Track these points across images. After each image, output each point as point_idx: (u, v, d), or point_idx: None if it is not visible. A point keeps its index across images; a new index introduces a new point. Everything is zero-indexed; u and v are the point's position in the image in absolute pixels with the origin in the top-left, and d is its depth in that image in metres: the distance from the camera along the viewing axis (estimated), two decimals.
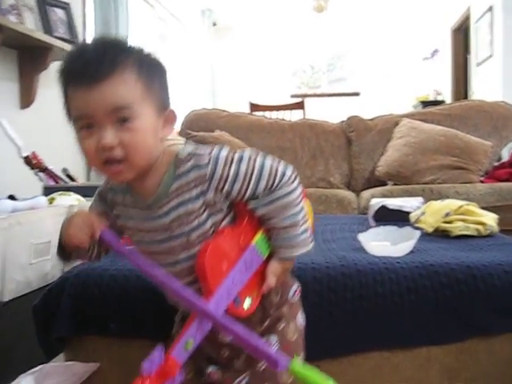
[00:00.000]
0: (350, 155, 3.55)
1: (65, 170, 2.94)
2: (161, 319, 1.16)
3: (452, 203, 1.88)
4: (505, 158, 3.30)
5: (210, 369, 0.99)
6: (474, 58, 6.14)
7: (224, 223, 0.93)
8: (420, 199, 2.23)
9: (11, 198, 2.04)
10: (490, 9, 5.39)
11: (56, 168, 2.76)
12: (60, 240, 0.94)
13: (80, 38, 3.30)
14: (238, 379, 0.96)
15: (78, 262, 1.51)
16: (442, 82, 7.15)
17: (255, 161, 0.91)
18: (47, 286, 1.90)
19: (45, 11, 2.98)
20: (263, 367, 0.94)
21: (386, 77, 7.29)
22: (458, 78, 6.98)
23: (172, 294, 0.89)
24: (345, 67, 7.77)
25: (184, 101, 5.47)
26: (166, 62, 0.95)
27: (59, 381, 1.26)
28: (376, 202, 2.16)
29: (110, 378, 1.39)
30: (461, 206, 1.83)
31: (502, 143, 3.39)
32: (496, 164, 3.31)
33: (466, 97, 6.56)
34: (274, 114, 4.36)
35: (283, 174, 0.92)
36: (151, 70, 0.88)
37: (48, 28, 2.96)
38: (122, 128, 0.82)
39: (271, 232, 0.96)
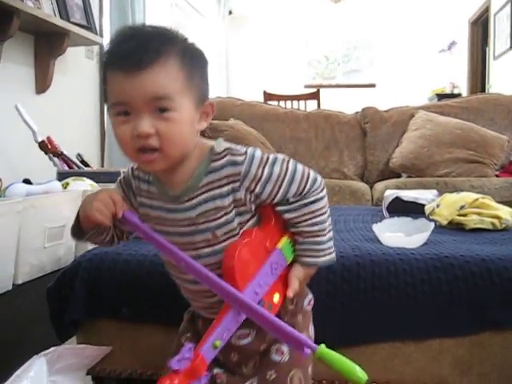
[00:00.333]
0: (364, 146, 3.53)
1: (79, 156, 2.95)
2: (173, 304, 1.16)
3: (467, 196, 1.86)
4: None
5: (216, 370, 0.97)
6: (491, 51, 6.07)
7: (249, 224, 0.92)
8: (434, 192, 2.21)
9: (26, 181, 2.05)
10: (510, 0, 5.31)
11: (70, 153, 2.77)
12: (78, 216, 0.94)
13: (96, 24, 3.30)
14: None
15: (89, 246, 1.52)
16: (458, 74, 7.08)
17: (288, 164, 0.90)
18: (60, 269, 1.92)
19: None
20: (273, 376, 0.93)
21: (401, 69, 7.23)
22: (474, 71, 6.91)
23: (201, 279, 0.86)
24: (360, 58, 7.71)
25: None
26: None
27: (72, 363, 1.27)
28: (390, 194, 2.15)
29: (121, 362, 1.40)
30: (476, 199, 1.81)
31: None
32: None
33: (482, 90, 6.50)
34: (289, 104, 4.34)
35: (315, 180, 0.92)
36: (193, 62, 0.87)
37: (65, 13, 2.95)
38: (159, 118, 0.82)
39: (297, 237, 0.95)
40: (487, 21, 6.27)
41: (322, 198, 0.93)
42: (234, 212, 0.89)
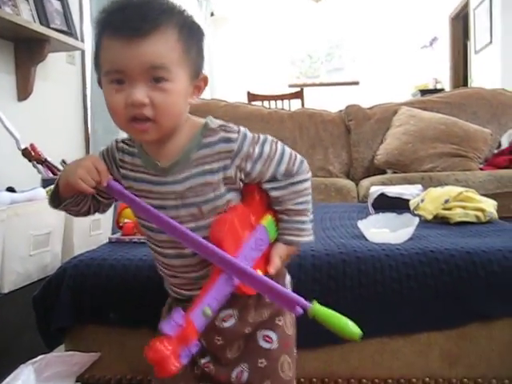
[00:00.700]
0: (349, 144, 3.54)
1: (64, 162, 2.92)
2: (160, 307, 1.15)
3: (451, 190, 1.88)
4: (504, 145, 3.29)
5: (203, 360, 0.97)
6: (472, 46, 6.12)
7: (237, 201, 0.92)
8: (419, 186, 2.22)
9: (10, 190, 2.04)
10: None
11: (55, 160, 2.75)
12: (57, 183, 0.93)
13: (77, 30, 3.28)
14: (235, 372, 0.95)
15: (76, 252, 1.51)
16: (441, 70, 7.13)
17: (277, 144, 0.93)
18: (47, 277, 1.91)
19: (41, 2, 2.95)
20: (265, 363, 0.94)
21: (384, 66, 7.27)
22: (457, 66, 6.97)
23: (187, 244, 0.87)
24: (343, 56, 7.74)
25: None
26: None
27: (60, 371, 1.27)
28: (375, 190, 2.16)
29: (110, 367, 1.39)
30: (460, 193, 1.83)
31: (502, 130, 3.38)
32: (495, 151, 3.30)
33: (465, 84, 6.55)
34: (273, 104, 4.34)
35: (302, 162, 0.95)
36: (191, 34, 0.87)
37: (44, 19, 2.93)
38: (154, 87, 0.81)
39: (281, 215, 0.96)
40: (467, 16, 6.32)
41: (307, 180, 0.96)
42: (223, 189, 0.89)
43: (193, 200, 0.89)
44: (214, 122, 0.90)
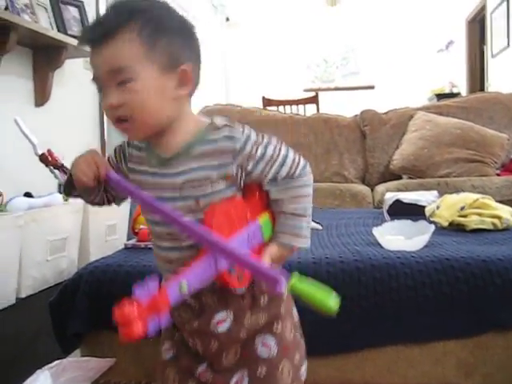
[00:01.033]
0: (364, 149, 3.53)
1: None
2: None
3: (467, 197, 1.86)
4: None
5: (200, 368, 0.96)
6: (489, 49, 6.07)
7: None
8: (435, 193, 2.21)
9: (27, 195, 2.06)
10: None
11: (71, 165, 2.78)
12: (70, 175, 0.96)
13: None
14: (234, 380, 0.94)
15: (92, 258, 1.52)
16: (457, 74, 7.07)
17: (281, 148, 0.93)
18: (63, 282, 1.93)
19: (59, 10, 3.00)
20: (264, 372, 0.92)
21: (400, 70, 7.23)
22: (473, 70, 6.91)
23: (180, 229, 0.87)
24: (359, 61, 7.72)
25: (197, 96, 5.46)
26: None
27: (76, 376, 1.28)
28: (390, 196, 2.15)
29: (125, 373, 1.40)
30: (476, 200, 1.81)
31: None
32: None
33: (481, 89, 6.49)
34: (288, 109, 4.35)
35: (305, 166, 0.95)
36: (157, 29, 0.87)
37: (62, 26, 2.98)
38: (123, 89, 0.84)
39: (278, 217, 0.96)
40: (484, 19, 6.27)
41: (308, 185, 0.96)
42: (222, 185, 0.89)
43: (190, 193, 0.89)
44: (220, 120, 0.91)
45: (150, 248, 1.60)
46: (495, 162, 3.15)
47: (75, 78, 3.32)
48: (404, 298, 1.28)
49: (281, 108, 4.31)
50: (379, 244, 1.51)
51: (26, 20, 2.54)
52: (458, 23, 7.07)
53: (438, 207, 1.89)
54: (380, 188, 3.08)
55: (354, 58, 7.74)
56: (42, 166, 2.59)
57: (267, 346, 0.94)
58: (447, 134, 3.24)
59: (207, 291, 0.83)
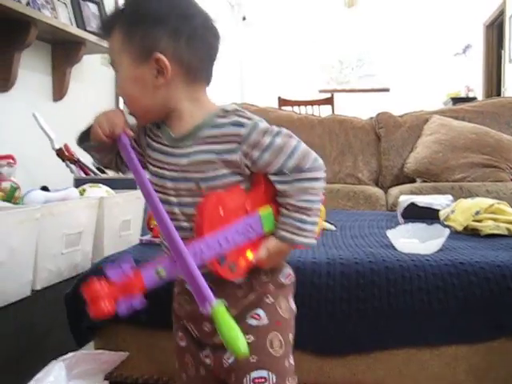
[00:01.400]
0: (378, 151, 3.53)
1: (94, 162, 2.98)
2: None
3: (482, 202, 1.86)
4: None
5: (204, 353, 0.98)
6: (507, 54, 6.03)
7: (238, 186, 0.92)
8: (449, 197, 2.20)
9: (44, 189, 2.08)
10: None
11: (87, 160, 2.80)
12: (89, 126, 1.00)
13: None
14: (227, 355, 0.94)
15: (106, 253, 1.53)
16: (473, 78, 7.03)
17: (290, 139, 0.92)
18: (77, 275, 1.94)
19: (78, 6, 3.02)
20: (252, 339, 0.91)
21: (416, 73, 7.20)
22: (490, 75, 6.87)
23: (157, 220, 0.88)
24: (374, 63, 7.69)
25: (213, 95, 5.48)
26: None
27: (90, 368, 1.29)
28: (405, 199, 2.15)
29: (138, 367, 1.42)
30: (491, 205, 1.81)
31: None
32: None
33: (498, 93, 6.45)
34: (303, 110, 4.35)
35: (316, 159, 0.93)
36: (134, 23, 0.90)
37: (81, 22, 3.00)
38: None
39: (281, 209, 0.94)
40: (502, 24, 6.23)
41: (318, 179, 0.93)
42: (225, 170, 0.90)
43: (192, 175, 0.91)
44: (231, 106, 0.92)
45: None
46: (511, 168, 3.13)
47: (92, 73, 3.34)
48: (417, 300, 1.29)
49: (296, 108, 4.32)
50: (393, 246, 1.51)
51: (46, 15, 2.56)
52: (475, 27, 7.03)
53: (452, 211, 1.89)
54: (394, 191, 3.08)
55: (370, 59, 7.71)
56: (58, 159, 2.63)
57: (257, 317, 0.94)
58: (462, 139, 3.23)
59: (204, 277, 0.83)
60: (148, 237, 1.70)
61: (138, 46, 0.89)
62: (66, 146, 2.66)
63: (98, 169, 2.89)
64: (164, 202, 0.91)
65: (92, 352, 1.38)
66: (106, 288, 0.72)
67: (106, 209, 2.14)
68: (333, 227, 1.92)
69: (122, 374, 1.41)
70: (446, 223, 1.85)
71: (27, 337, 1.64)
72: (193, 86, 0.93)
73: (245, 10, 7.34)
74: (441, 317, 1.29)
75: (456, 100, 6.30)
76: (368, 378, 1.33)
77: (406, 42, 7.26)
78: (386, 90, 7.45)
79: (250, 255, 0.91)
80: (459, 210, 1.86)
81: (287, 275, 1.02)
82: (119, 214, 2.26)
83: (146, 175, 0.93)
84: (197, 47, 0.92)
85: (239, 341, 0.75)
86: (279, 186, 0.92)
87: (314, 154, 0.93)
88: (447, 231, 1.54)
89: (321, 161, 0.94)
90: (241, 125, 0.89)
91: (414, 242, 1.54)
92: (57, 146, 2.61)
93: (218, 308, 0.78)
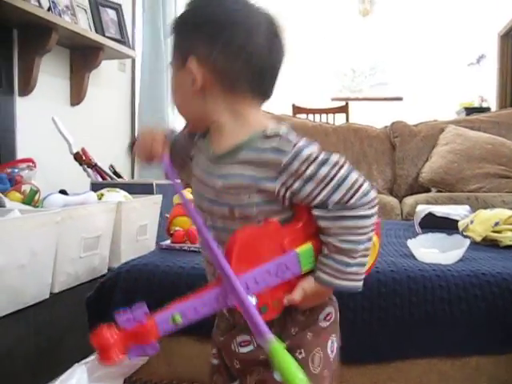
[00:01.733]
0: (393, 161, 3.52)
1: (112, 167, 3.00)
2: (209, 317, 1.17)
3: (502, 212, 1.85)
4: None
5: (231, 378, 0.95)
6: None
7: (275, 218, 0.83)
8: (467, 207, 2.20)
9: (62, 192, 2.10)
10: None
11: (103, 164, 2.82)
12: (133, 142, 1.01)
13: (129, 38, 3.37)
14: None
15: (123, 259, 1.54)
16: (487, 88, 7.01)
17: (340, 168, 0.81)
18: (95, 279, 1.96)
19: (97, 12, 3.05)
20: None
21: (429, 82, 7.18)
22: (504, 85, 6.83)
23: (203, 244, 0.84)
24: (387, 71, 7.68)
25: None
26: None
27: (110, 372, 1.30)
28: (422, 209, 2.14)
29: (157, 372, 1.42)
30: (511, 216, 1.80)
31: None
32: None
33: None
34: (317, 117, 4.35)
35: (365, 193, 0.81)
36: (179, 32, 0.90)
37: (100, 28, 3.03)
38: None
39: (323, 248, 0.84)
40: None
41: (366, 217, 0.82)
42: (260, 198, 0.82)
43: (225, 199, 0.84)
44: (274, 129, 0.83)
45: (184, 250, 1.62)
46: None
47: (110, 78, 3.38)
48: (439, 310, 1.28)
49: (310, 116, 4.32)
50: (413, 256, 1.51)
51: (66, 21, 2.59)
52: (490, 37, 7.00)
53: (471, 222, 1.88)
54: (409, 200, 3.07)
55: (382, 68, 7.71)
56: (75, 163, 2.65)
57: (298, 355, 0.85)
58: (478, 149, 3.22)
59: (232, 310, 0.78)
60: (167, 242, 1.70)
61: (178, 52, 0.89)
62: (83, 150, 2.68)
63: (114, 173, 2.92)
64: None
65: None
66: (115, 336, 0.69)
67: (124, 213, 2.15)
68: None
69: (142, 378, 1.42)
70: (464, 234, 1.85)
71: (47, 338, 1.65)
72: (232, 97, 0.85)
73: None
74: (462, 327, 1.29)
75: (469, 110, 6.26)
76: None
77: (420, 51, 7.25)
78: (399, 98, 7.44)
79: (283, 296, 0.83)
80: (478, 221, 1.86)
81: (327, 314, 0.92)
82: (136, 219, 2.27)
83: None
84: (234, 55, 0.83)
85: (298, 378, 0.69)
86: (320, 222, 0.83)
87: (364, 187, 0.81)
88: (467, 241, 1.54)
89: (372, 194, 0.82)
90: (281, 152, 0.80)
91: (434, 251, 1.54)
92: (74, 150, 2.63)
93: (276, 346, 0.72)
